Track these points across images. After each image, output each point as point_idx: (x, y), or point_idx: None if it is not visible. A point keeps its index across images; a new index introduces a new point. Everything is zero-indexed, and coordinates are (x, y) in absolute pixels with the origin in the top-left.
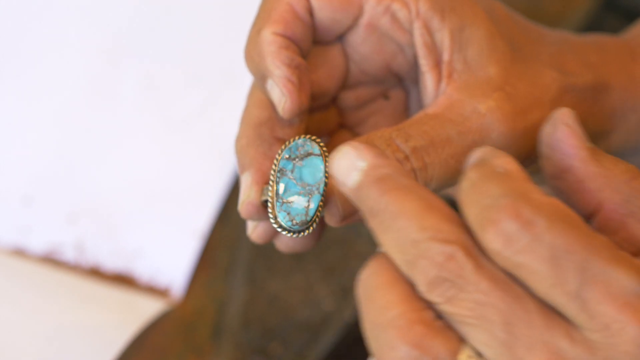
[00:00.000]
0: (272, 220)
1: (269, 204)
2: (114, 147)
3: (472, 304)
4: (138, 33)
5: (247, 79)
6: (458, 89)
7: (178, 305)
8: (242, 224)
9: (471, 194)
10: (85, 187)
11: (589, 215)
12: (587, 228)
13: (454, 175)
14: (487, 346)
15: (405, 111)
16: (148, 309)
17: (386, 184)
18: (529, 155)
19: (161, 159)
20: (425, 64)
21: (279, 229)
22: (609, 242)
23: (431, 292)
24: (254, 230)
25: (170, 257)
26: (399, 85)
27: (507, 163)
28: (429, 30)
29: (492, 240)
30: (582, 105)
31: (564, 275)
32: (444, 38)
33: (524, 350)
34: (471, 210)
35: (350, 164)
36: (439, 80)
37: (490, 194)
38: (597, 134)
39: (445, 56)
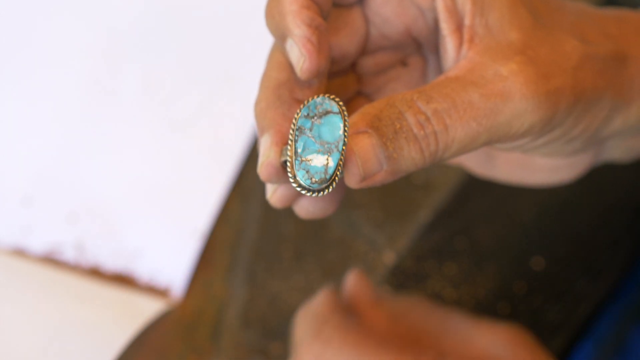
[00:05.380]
0: (291, 179)
1: (288, 164)
2: (114, 147)
3: None
4: (138, 33)
5: (246, 79)
6: (479, 52)
7: (178, 305)
8: (242, 224)
9: None
10: (85, 187)
11: None
12: None
13: (475, 138)
14: None
15: (423, 79)
16: (148, 309)
17: None
18: (549, 121)
19: (161, 159)
20: (446, 27)
21: (298, 188)
22: None
23: None
24: (274, 194)
25: (170, 257)
26: (417, 52)
27: None
28: None
29: None
30: (603, 75)
31: None
32: (465, 2)
33: None
34: None
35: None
36: (460, 44)
37: None
38: (616, 106)
39: (467, 20)
